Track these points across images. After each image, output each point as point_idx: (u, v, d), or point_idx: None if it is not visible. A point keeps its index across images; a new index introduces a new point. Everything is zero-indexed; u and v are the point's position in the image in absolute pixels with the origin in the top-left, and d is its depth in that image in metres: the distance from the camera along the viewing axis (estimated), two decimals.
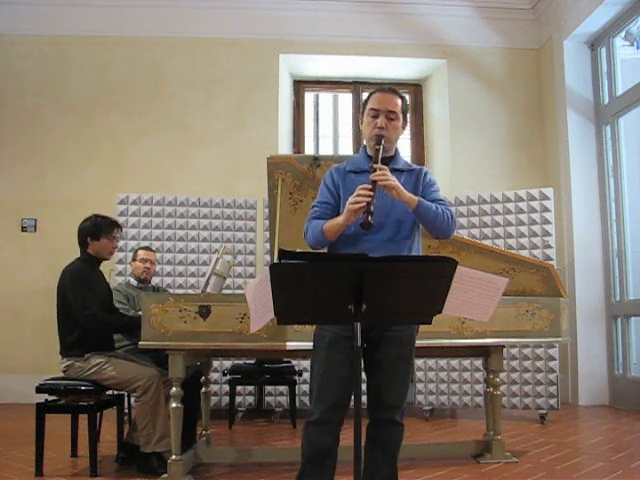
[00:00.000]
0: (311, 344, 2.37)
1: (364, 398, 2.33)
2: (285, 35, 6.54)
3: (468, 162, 6.51)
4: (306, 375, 5.03)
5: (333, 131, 7.12)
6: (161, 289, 4.82)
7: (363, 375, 2.36)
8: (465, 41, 6.64)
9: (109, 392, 3.65)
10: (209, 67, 6.50)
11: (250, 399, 5.43)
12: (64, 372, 3.51)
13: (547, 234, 5.20)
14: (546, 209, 5.22)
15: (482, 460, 3.64)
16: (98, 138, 6.34)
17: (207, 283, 3.47)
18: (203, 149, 6.37)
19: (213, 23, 6.47)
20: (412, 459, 3.65)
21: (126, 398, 4.15)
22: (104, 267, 3.81)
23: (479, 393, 5.10)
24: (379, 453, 2.30)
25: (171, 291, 5.13)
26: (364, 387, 2.42)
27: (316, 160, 3.62)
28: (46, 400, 3.53)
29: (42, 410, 3.43)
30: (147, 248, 4.70)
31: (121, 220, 5.37)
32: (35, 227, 6.22)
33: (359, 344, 1.79)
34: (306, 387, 5.07)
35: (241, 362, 5.15)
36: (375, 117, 2.36)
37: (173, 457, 3.20)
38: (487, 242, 5.02)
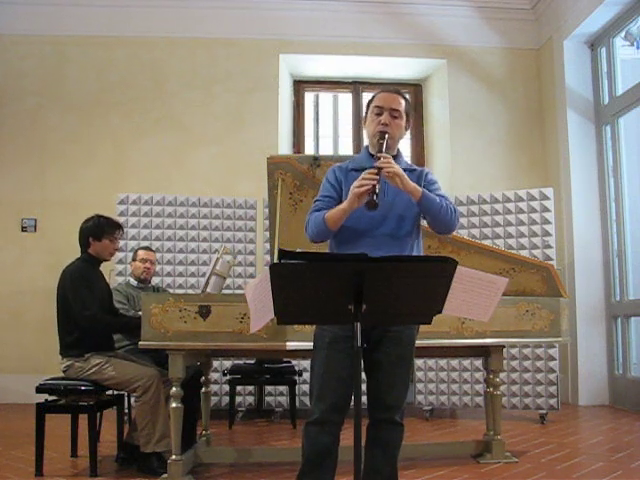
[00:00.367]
0: (311, 344, 2.38)
1: (364, 398, 2.33)
2: (285, 35, 6.55)
3: (468, 162, 6.51)
4: (306, 375, 5.03)
5: (333, 131, 7.13)
6: (161, 289, 4.82)
7: (363, 375, 2.36)
8: (465, 41, 6.65)
9: (109, 392, 3.64)
10: (209, 67, 6.50)
11: (250, 399, 5.43)
12: (64, 372, 3.51)
13: (547, 234, 5.20)
14: (546, 209, 5.22)
15: (482, 460, 3.64)
16: (98, 138, 6.34)
17: (207, 283, 3.47)
18: (203, 149, 6.37)
19: (213, 23, 6.47)
20: (412, 459, 3.65)
21: (126, 398, 4.15)
22: (104, 267, 3.81)
23: (479, 393, 5.10)
24: (379, 453, 2.30)
25: (171, 291, 5.13)
26: (364, 387, 2.42)
27: (316, 160, 3.62)
28: (46, 400, 3.53)
29: (42, 410, 3.43)
30: (147, 248, 4.70)
31: (121, 220, 5.37)
32: (35, 227, 6.22)
33: (359, 344, 1.79)
34: (306, 387, 5.08)
35: (241, 362, 5.15)
36: (379, 114, 2.38)
37: (173, 457, 3.20)
38: (487, 242, 5.02)
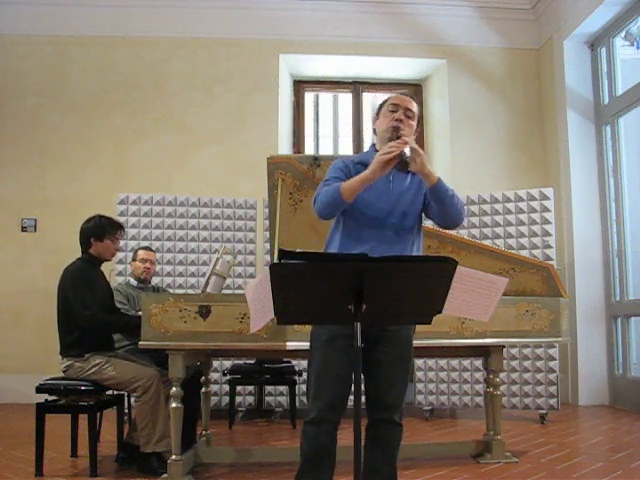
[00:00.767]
0: None
1: (362, 398, 2.33)
2: (285, 35, 6.55)
3: (468, 162, 6.51)
4: (306, 375, 5.03)
5: (333, 131, 7.13)
6: (161, 289, 4.82)
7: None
8: (465, 41, 6.65)
9: (109, 392, 3.65)
10: (209, 67, 6.50)
11: (250, 399, 5.43)
12: (64, 372, 3.51)
13: (547, 234, 5.20)
14: (546, 209, 5.22)
15: (482, 460, 3.65)
16: (98, 138, 6.34)
17: (207, 283, 3.47)
18: (203, 149, 6.38)
19: (213, 23, 6.48)
20: (412, 459, 3.65)
21: (126, 398, 4.15)
22: (104, 267, 3.81)
23: (479, 393, 5.10)
24: (379, 453, 2.30)
25: (171, 291, 5.13)
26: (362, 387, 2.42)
27: (316, 160, 3.62)
28: (46, 400, 3.53)
29: (42, 410, 3.43)
30: (147, 248, 4.70)
31: (121, 220, 5.36)
32: (35, 227, 6.22)
33: (359, 344, 1.79)
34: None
35: (241, 362, 5.15)
36: (393, 112, 2.40)
37: (173, 457, 3.20)
38: (487, 242, 5.02)
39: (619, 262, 5.73)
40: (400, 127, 2.35)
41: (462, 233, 5.20)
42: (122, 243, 5.27)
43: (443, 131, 6.70)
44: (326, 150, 7.00)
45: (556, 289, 3.83)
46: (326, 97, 7.21)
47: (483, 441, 3.80)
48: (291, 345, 3.20)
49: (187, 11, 6.46)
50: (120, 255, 5.29)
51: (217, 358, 5.03)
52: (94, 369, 3.44)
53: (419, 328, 3.24)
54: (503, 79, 6.69)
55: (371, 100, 7.21)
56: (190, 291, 5.36)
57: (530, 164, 6.55)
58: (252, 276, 5.55)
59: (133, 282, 4.52)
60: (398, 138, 2.28)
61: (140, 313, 3.35)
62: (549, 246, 5.18)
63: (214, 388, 5.18)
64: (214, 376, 5.19)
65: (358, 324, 1.78)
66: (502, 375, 4.06)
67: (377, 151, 2.40)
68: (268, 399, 5.39)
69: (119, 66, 6.45)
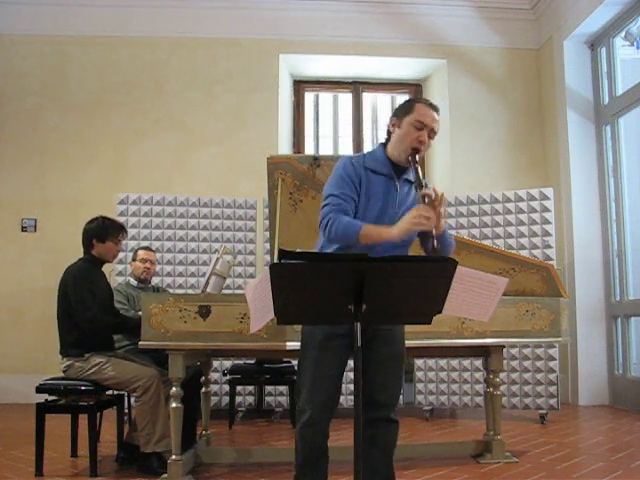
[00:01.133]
0: None
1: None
2: (285, 35, 6.55)
3: (468, 162, 6.51)
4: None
5: (333, 131, 7.13)
6: (161, 289, 4.82)
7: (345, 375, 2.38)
8: (465, 41, 6.65)
9: (109, 392, 3.65)
10: (209, 67, 6.50)
11: (250, 399, 5.43)
12: (64, 372, 3.51)
13: (547, 234, 5.20)
14: (546, 209, 5.22)
15: (482, 460, 3.65)
16: (98, 138, 6.34)
17: (207, 283, 3.47)
18: (203, 149, 6.38)
19: (213, 23, 6.48)
20: (412, 459, 3.65)
21: (126, 398, 4.15)
22: (104, 267, 3.81)
23: (479, 393, 5.10)
24: (376, 453, 2.30)
25: (171, 291, 5.13)
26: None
27: (316, 160, 3.62)
28: (46, 400, 3.53)
29: (42, 410, 3.43)
30: (147, 248, 4.70)
31: (121, 220, 5.37)
32: (35, 227, 6.22)
33: (359, 344, 1.79)
34: None
35: (241, 362, 5.15)
36: (419, 129, 2.31)
37: (173, 457, 3.20)
38: (487, 242, 5.02)
39: (619, 262, 5.73)
40: (420, 150, 2.30)
41: (462, 233, 5.21)
42: (122, 243, 5.29)
43: (443, 131, 6.66)
44: (326, 150, 7.00)
45: (556, 289, 3.83)
46: (326, 97, 7.21)
47: (483, 441, 3.80)
48: (291, 345, 3.20)
49: (187, 11, 6.46)
50: (120, 255, 5.26)
51: (217, 358, 5.03)
52: (94, 369, 3.44)
53: (420, 328, 3.26)
54: (503, 79, 6.69)
55: (371, 100, 7.21)
56: (190, 291, 5.36)
57: (530, 164, 6.55)
58: (252, 276, 5.55)
59: (133, 282, 4.52)
60: (414, 157, 2.27)
61: (140, 313, 3.35)
62: (549, 246, 5.18)
63: (214, 388, 5.18)
64: (214, 376, 5.19)
65: (358, 324, 1.78)
66: (502, 375, 4.06)
67: (387, 158, 2.36)
68: (268, 399, 5.40)
69: (119, 66, 6.45)
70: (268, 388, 5.37)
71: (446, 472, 3.41)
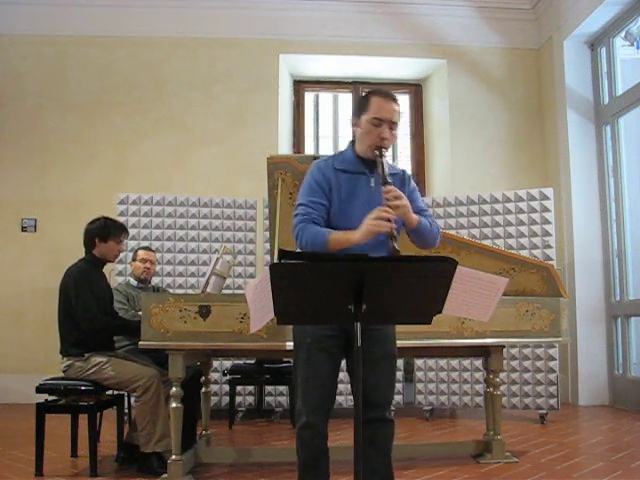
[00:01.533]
0: None
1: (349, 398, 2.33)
2: (285, 35, 6.54)
3: (468, 162, 6.51)
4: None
5: (333, 131, 7.13)
6: (161, 289, 4.82)
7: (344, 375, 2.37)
8: (465, 41, 6.65)
9: (109, 392, 3.65)
10: (209, 67, 6.50)
11: (250, 399, 5.43)
12: (64, 372, 3.51)
13: (547, 234, 5.20)
14: (546, 209, 5.21)
15: (482, 460, 3.65)
16: (98, 138, 6.34)
17: (207, 283, 3.47)
18: (203, 149, 6.38)
19: (213, 23, 6.47)
20: (412, 459, 3.65)
21: (126, 398, 4.15)
22: (104, 267, 3.81)
23: (479, 393, 5.10)
24: (374, 453, 2.30)
25: (171, 291, 5.13)
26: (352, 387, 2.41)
27: (316, 160, 3.61)
28: (46, 400, 3.53)
29: (42, 410, 3.43)
30: (147, 248, 4.70)
31: (121, 220, 5.37)
32: (35, 227, 6.22)
33: (359, 344, 1.79)
34: None
35: (241, 362, 5.15)
36: (378, 126, 2.29)
37: (173, 457, 3.20)
38: (487, 242, 5.02)
39: (619, 262, 5.73)
40: (384, 148, 2.30)
41: (462, 233, 5.21)
42: (123, 243, 5.28)
43: (443, 131, 6.70)
44: (326, 150, 7.00)
45: (556, 289, 3.83)
46: (326, 97, 7.21)
47: (483, 441, 3.80)
48: (291, 345, 3.17)
49: (187, 11, 6.46)
50: (120, 255, 5.28)
51: (217, 358, 5.03)
52: (94, 369, 3.44)
53: (420, 328, 3.26)
54: (503, 79, 6.68)
55: None
56: (190, 291, 5.36)
57: (530, 164, 6.55)
58: (252, 276, 5.55)
59: (133, 282, 4.52)
60: (380, 153, 2.26)
61: (140, 313, 3.35)
62: (549, 246, 5.18)
63: (214, 388, 5.18)
64: (214, 376, 5.19)
65: (358, 324, 1.78)
66: (502, 375, 4.06)
67: (357, 156, 2.37)
68: (268, 399, 5.39)
69: (119, 66, 6.45)
70: (268, 388, 5.37)
71: (446, 472, 3.41)
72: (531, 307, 3.58)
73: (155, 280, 4.96)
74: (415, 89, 7.13)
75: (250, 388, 5.40)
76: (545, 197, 5.23)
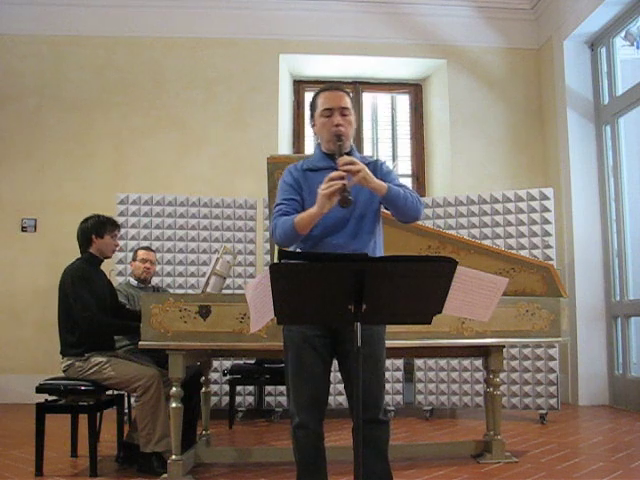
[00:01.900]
0: None
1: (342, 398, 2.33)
2: (285, 35, 6.55)
3: (468, 162, 6.51)
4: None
5: None
6: (161, 289, 4.82)
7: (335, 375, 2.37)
8: (465, 41, 6.65)
9: (109, 392, 3.65)
10: (209, 67, 6.50)
11: (250, 399, 5.43)
12: (64, 372, 3.51)
13: (547, 234, 5.19)
14: (546, 209, 5.21)
15: (482, 460, 3.64)
16: (98, 138, 6.34)
17: (207, 283, 3.47)
18: (203, 149, 6.38)
19: (213, 23, 6.48)
20: (412, 459, 3.66)
21: (126, 398, 4.15)
22: (104, 267, 3.81)
23: (479, 393, 5.10)
24: (369, 453, 2.29)
25: (171, 291, 5.12)
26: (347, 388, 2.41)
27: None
28: (46, 400, 3.54)
29: (42, 410, 3.43)
30: (147, 248, 4.70)
31: (121, 220, 5.37)
32: (35, 227, 6.22)
33: (359, 344, 1.79)
34: None
35: (241, 362, 5.15)
36: (329, 116, 2.36)
37: (173, 457, 3.20)
38: (487, 242, 5.02)
39: (619, 262, 5.73)
40: (341, 133, 2.33)
41: (462, 233, 5.21)
42: (122, 243, 5.29)
43: (443, 131, 6.70)
44: None
45: (556, 289, 3.83)
46: None
47: (483, 441, 3.80)
48: None
49: (187, 11, 6.46)
50: (120, 255, 5.30)
51: (217, 358, 5.03)
52: (94, 369, 3.44)
53: (420, 328, 3.26)
54: (503, 79, 6.69)
55: (371, 100, 7.21)
56: (190, 291, 5.36)
57: (530, 164, 6.55)
58: (252, 276, 5.54)
59: (133, 282, 4.53)
60: (338, 139, 2.29)
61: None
62: (549, 246, 5.18)
63: (214, 388, 5.18)
64: (214, 376, 5.19)
65: (358, 324, 1.78)
66: (502, 375, 4.07)
67: (324, 153, 2.41)
68: (268, 399, 5.39)
69: (118, 66, 6.45)
70: (268, 388, 5.37)
71: (446, 472, 3.41)
72: (531, 307, 3.58)
73: (155, 280, 4.96)
74: (415, 89, 7.13)
75: (250, 388, 5.40)
76: (545, 197, 5.23)
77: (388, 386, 5.28)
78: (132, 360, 3.58)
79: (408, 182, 7.07)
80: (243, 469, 3.55)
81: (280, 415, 5.25)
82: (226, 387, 5.18)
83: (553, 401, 5.00)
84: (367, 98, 7.15)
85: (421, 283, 1.76)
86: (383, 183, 2.27)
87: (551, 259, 5.08)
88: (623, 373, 5.61)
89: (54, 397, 3.54)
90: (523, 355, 5.13)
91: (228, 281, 5.20)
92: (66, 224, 5.91)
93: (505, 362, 4.82)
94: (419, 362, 5.33)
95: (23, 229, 6.22)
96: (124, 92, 6.41)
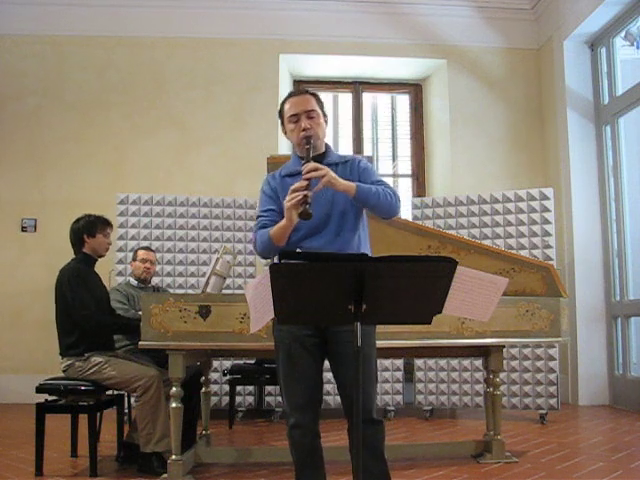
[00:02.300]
0: None
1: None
2: (285, 35, 6.55)
3: (468, 162, 6.51)
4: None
5: (333, 131, 7.12)
6: (161, 289, 4.82)
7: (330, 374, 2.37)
8: (465, 41, 6.65)
9: (109, 392, 3.65)
10: (209, 67, 6.50)
11: (250, 399, 5.43)
12: (64, 372, 3.52)
13: (547, 234, 5.20)
14: (546, 209, 5.21)
15: (482, 460, 3.64)
16: (98, 138, 6.34)
17: (207, 283, 3.47)
18: (203, 149, 6.38)
19: (213, 23, 6.48)
20: (412, 459, 3.66)
21: (126, 398, 4.15)
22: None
23: (479, 393, 5.10)
24: (365, 454, 2.29)
25: (171, 291, 5.12)
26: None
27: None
28: (46, 400, 3.54)
29: (42, 410, 3.43)
30: (147, 248, 4.70)
31: (121, 220, 5.38)
32: (35, 227, 6.22)
33: (359, 344, 1.79)
34: None
35: (241, 362, 5.15)
36: (296, 122, 2.38)
37: (173, 457, 3.20)
38: (487, 242, 5.02)
39: (619, 262, 5.73)
40: (310, 137, 2.34)
41: (462, 233, 5.21)
42: (122, 243, 5.31)
43: (443, 131, 6.70)
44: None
45: (556, 289, 3.83)
46: (326, 97, 7.21)
47: (483, 441, 3.80)
48: None
49: (187, 11, 6.46)
50: (120, 255, 5.30)
51: (217, 358, 5.03)
52: (94, 369, 3.44)
53: (420, 328, 3.26)
54: (503, 79, 6.69)
55: (371, 100, 7.21)
56: (190, 291, 5.36)
57: (530, 164, 6.55)
58: (252, 276, 5.55)
59: (133, 282, 4.52)
60: (308, 146, 2.30)
61: (140, 313, 3.35)
62: (549, 246, 5.18)
63: (214, 388, 5.18)
64: (214, 376, 5.19)
65: (358, 324, 1.78)
66: (502, 375, 4.06)
67: (300, 157, 2.41)
68: (268, 399, 5.39)
69: (119, 66, 6.45)
70: (268, 388, 5.37)
71: (446, 472, 3.42)
72: (531, 307, 3.58)
73: (155, 280, 4.96)
74: (415, 89, 7.13)
75: (250, 388, 5.40)
76: (545, 197, 5.23)
77: (388, 386, 5.28)
78: (132, 360, 3.58)
79: (408, 182, 7.08)
80: (243, 469, 3.55)
81: (280, 415, 5.25)
82: (226, 387, 5.18)
83: (553, 401, 5.00)
84: (367, 98, 7.16)
85: (421, 283, 1.76)
86: (351, 184, 2.27)
87: (551, 259, 5.08)
88: (623, 373, 5.61)
89: (54, 397, 3.55)
90: (523, 355, 5.13)
91: (228, 281, 5.20)
92: (66, 224, 5.85)
93: (505, 362, 4.82)
94: (419, 362, 5.33)
95: (23, 229, 6.22)
96: (124, 92, 6.41)
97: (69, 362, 3.48)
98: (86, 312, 3.42)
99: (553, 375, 5.03)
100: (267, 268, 1.76)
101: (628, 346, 5.57)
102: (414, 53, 6.69)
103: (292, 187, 2.19)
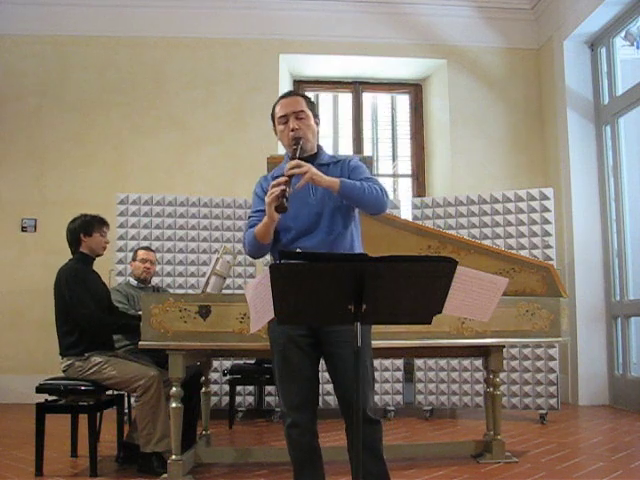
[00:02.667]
0: None
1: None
2: (285, 35, 6.55)
3: (468, 162, 6.51)
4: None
5: (333, 131, 7.13)
6: (161, 289, 4.82)
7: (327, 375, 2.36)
8: (465, 41, 6.65)
9: (109, 392, 3.65)
10: (209, 67, 6.50)
11: (250, 399, 5.43)
12: (64, 372, 3.52)
13: (547, 234, 5.20)
14: (546, 209, 5.21)
15: (482, 460, 3.64)
16: (98, 138, 6.34)
17: (207, 283, 3.47)
18: (203, 149, 6.38)
19: (213, 23, 6.48)
20: (412, 459, 3.66)
21: (126, 398, 4.15)
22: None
23: (479, 393, 5.10)
24: (365, 454, 2.29)
25: (171, 291, 5.12)
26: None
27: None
28: (46, 400, 3.54)
29: (42, 410, 3.43)
30: (147, 248, 4.70)
31: (121, 220, 5.38)
32: (35, 227, 6.22)
33: (359, 344, 1.78)
34: None
35: (241, 362, 5.15)
36: (286, 123, 2.42)
37: (173, 457, 3.21)
38: (487, 242, 5.02)
39: (619, 262, 5.73)
40: (299, 137, 2.36)
41: (462, 233, 5.21)
42: (122, 243, 5.31)
43: (443, 131, 6.70)
44: (326, 150, 6.98)
45: (556, 289, 3.83)
46: (326, 97, 7.21)
47: (483, 441, 3.80)
48: None
49: (187, 11, 6.46)
50: (120, 255, 5.30)
51: (217, 358, 5.03)
52: (94, 369, 3.44)
53: (420, 328, 3.26)
54: (503, 79, 6.69)
55: (371, 100, 7.21)
56: (190, 291, 5.36)
57: (530, 164, 6.55)
58: (252, 276, 5.55)
59: (133, 282, 4.52)
60: (295, 146, 2.32)
61: (140, 313, 3.36)
62: (549, 246, 5.18)
63: (214, 388, 5.18)
64: (214, 376, 5.19)
65: (358, 324, 1.78)
66: (502, 375, 4.06)
67: (292, 159, 2.39)
68: (268, 399, 5.39)
69: (119, 66, 6.45)
70: (268, 388, 5.37)
71: (446, 472, 3.42)
72: (531, 307, 3.58)
73: (155, 280, 4.96)
74: (415, 89, 7.14)
75: (250, 388, 5.40)
76: (545, 197, 5.23)
77: (388, 386, 5.29)
78: (132, 360, 3.58)
79: (408, 182, 7.08)
80: (243, 469, 3.56)
81: (280, 415, 5.25)
82: (226, 387, 5.18)
83: (553, 401, 5.00)
84: (367, 98, 7.16)
85: (421, 283, 1.76)
86: (335, 179, 2.27)
87: (551, 259, 5.08)
88: (623, 373, 5.61)
89: (54, 397, 3.55)
90: (523, 355, 5.13)
91: (228, 281, 5.20)
92: (66, 224, 5.92)
93: (505, 362, 4.82)
94: (419, 362, 5.33)
95: (23, 229, 6.22)
96: (124, 92, 6.41)
97: (69, 362, 3.48)
98: (86, 311, 3.42)
99: (553, 375, 5.03)
100: (267, 268, 1.76)
101: (628, 346, 5.57)
102: (414, 53, 6.69)
103: (272, 182, 2.20)
